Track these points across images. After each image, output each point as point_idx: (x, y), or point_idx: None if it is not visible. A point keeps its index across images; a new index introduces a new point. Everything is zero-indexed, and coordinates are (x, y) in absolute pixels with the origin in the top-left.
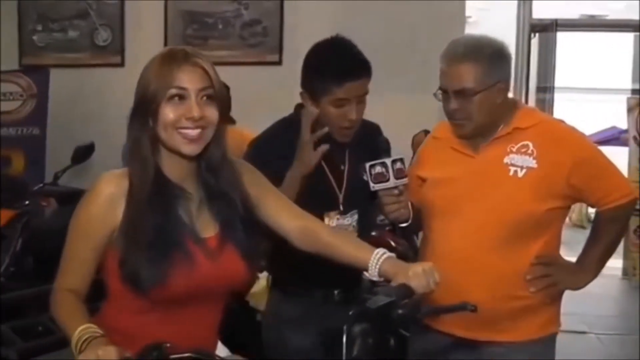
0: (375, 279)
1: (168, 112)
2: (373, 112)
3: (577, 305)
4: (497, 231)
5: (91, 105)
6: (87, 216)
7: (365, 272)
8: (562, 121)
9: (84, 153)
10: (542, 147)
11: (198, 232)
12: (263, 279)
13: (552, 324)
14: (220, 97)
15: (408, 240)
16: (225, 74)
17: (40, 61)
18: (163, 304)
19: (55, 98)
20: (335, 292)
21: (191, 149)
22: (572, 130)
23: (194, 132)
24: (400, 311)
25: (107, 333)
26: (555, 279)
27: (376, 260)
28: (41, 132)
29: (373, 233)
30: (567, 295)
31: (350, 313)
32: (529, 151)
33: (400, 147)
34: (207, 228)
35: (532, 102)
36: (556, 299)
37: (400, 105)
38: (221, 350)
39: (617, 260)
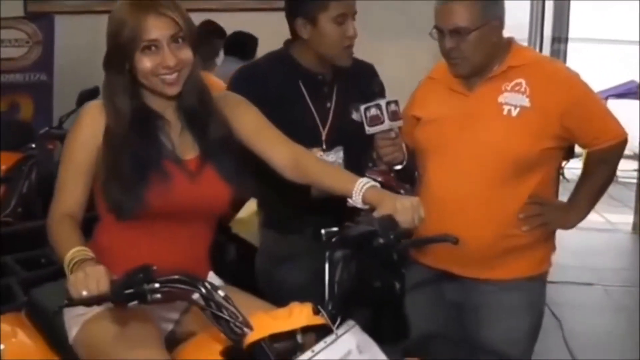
0: (359, 206)
1: (145, 62)
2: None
3: (586, 259)
4: (490, 170)
5: (97, 52)
6: (74, 143)
7: (349, 200)
8: (557, 60)
9: (88, 97)
10: (535, 85)
11: (179, 154)
12: (251, 206)
13: (543, 263)
14: (191, 34)
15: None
16: (236, 20)
17: (46, 8)
18: (148, 224)
19: (61, 45)
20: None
21: (172, 91)
22: (566, 70)
23: (172, 77)
24: (381, 240)
25: (99, 255)
26: (547, 218)
27: (360, 188)
28: (48, 79)
29: (379, 179)
30: (577, 248)
31: (333, 240)
32: (522, 89)
33: (397, 90)
34: (188, 151)
35: (546, 53)
36: (548, 238)
37: (398, 47)
38: (215, 280)
39: (627, 216)
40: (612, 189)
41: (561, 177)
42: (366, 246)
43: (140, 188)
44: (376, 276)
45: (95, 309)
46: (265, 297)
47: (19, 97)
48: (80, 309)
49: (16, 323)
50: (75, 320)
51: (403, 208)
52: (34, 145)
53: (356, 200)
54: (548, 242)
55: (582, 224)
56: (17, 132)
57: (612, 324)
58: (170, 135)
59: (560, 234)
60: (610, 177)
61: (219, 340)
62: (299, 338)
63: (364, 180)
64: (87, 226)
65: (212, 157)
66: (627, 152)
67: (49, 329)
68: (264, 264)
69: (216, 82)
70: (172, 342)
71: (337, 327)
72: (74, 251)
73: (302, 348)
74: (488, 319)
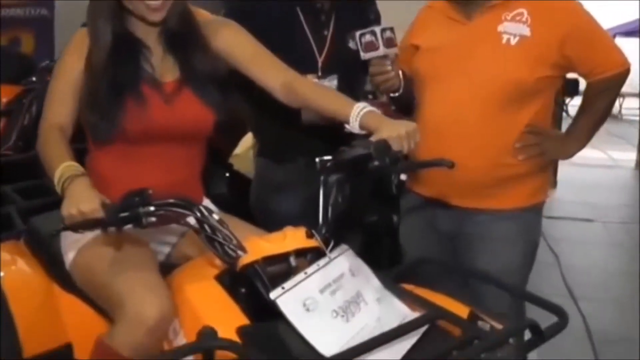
0: (356, 131)
1: None
2: None
3: (587, 195)
4: (487, 98)
5: None
6: (62, 66)
7: (346, 125)
8: None
9: None
10: (537, 15)
11: (157, 77)
12: (247, 141)
13: (539, 193)
14: None
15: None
16: None
17: None
18: (135, 149)
19: None
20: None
21: (156, 17)
22: None
23: (157, 2)
24: (376, 163)
25: (91, 176)
26: (544, 147)
27: (357, 112)
28: (49, 13)
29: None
30: (578, 184)
31: (327, 164)
32: (524, 19)
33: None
34: (168, 74)
35: None
36: (544, 168)
37: None
38: (210, 206)
39: (630, 153)
40: (615, 127)
41: (565, 114)
42: (361, 170)
43: (116, 111)
44: (370, 202)
45: (90, 235)
46: (260, 227)
47: (20, 32)
48: (76, 235)
49: (15, 251)
50: (71, 247)
51: (398, 132)
52: (34, 79)
53: (353, 125)
54: (544, 172)
55: (584, 161)
56: (17, 65)
57: (609, 259)
58: (151, 60)
59: (563, 171)
60: (609, 107)
61: (214, 265)
62: (292, 261)
63: (361, 104)
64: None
65: (192, 80)
66: (631, 89)
67: (47, 256)
68: (258, 192)
69: (204, 13)
70: (168, 268)
71: (330, 251)
72: (64, 166)
73: (296, 271)
74: (481, 249)
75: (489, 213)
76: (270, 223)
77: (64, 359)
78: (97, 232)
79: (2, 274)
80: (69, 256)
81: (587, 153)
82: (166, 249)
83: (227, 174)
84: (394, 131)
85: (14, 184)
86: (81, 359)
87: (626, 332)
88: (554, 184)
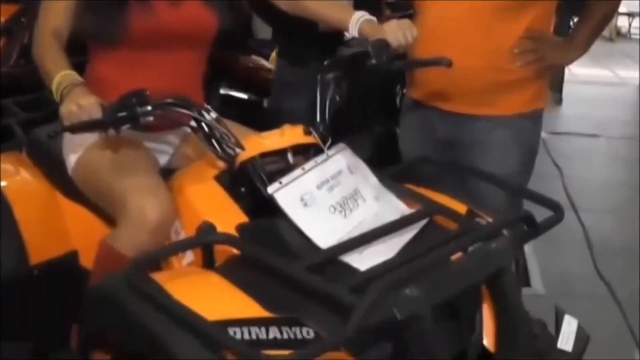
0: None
1: None
2: None
3: (592, 111)
4: (487, 1)
5: None
6: None
7: (346, 32)
8: None
9: None
10: None
11: None
12: None
13: (537, 100)
14: None
15: None
16: None
17: None
18: (136, 53)
19: None
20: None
21: None
22: None
23: None
24: (374, 61)
25: (90, 89)
26: (543, 52)
27: (356, 20)
28: None
29: None
30: (584, 100)
31: (325, 63)
32: None
33: None
34: None
35: None
36: (543, 75)
37: None
38: None
39: (636, 71)
40: (624, 46)
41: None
42: (359, 68)
43: (121, 10)
44: (375, 115)
45: (91, 139)
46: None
47: None
48: (77, 140)
49: (17, 162)
50: (72, 152)
51: (390, 27)
52: None
53: (352, 33)
54: (543, 79)
55: (590, 78)
56: None
57: (612, 173)
58: None
59: (568, 88)
60: (611, 13)
61: (214, 166)
62: (290, 158)
63: (360, 13)
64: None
65: None
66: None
67: (49, 164)
68: (275, 91)
69: None
70: (169, 172)
71: (328, 149)
72: (61, 75)
73: (293, 167)
74: (479, 156)
75: (486, 119)
76: (282, 122)
77: (70, 266)
78: (97, 137)
79: (4, 183)
80: (71, 161)
81: (593, 71)
82: (167, 154)
83: None
84: (391, 30)
85: (14, 97)
86: (87, 265)
87: (626, 243)
88: (559, 100)
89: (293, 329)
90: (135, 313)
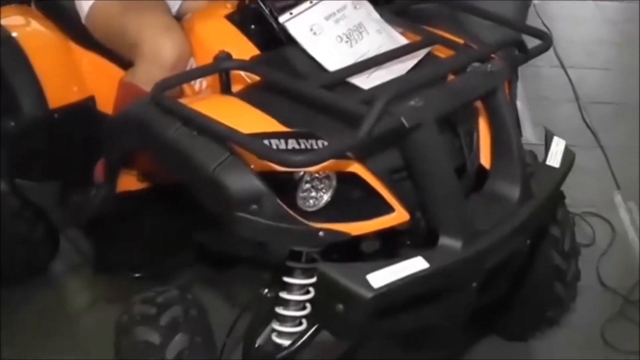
0: None
1: None
2: None
3: None
4: None
5: None
6: None
7: None
8: None
9: None
10: None
11: None
12: None
13: None
14: None
15: None
16: None
17: None
18: None
19: None
20: None
21: None
22: None
23: None
24: None
25: None
26: None
27: None
28: None
29: None
30: None
31: None
32: None
33: None
34: None
35: None
36: None
37: None
38: None
39: None
40: None
41: None
42: None
43: None
44: None
45: None
46: None
47: None
48: None
49: (27, 14)
50: (85, 0)
51: None
52: None
53: None
54: None
55: None
56: None
57: (600, 34)
58: None
59: None
60: None
61: (224, 7)
62: None
63: None
64: None
65: None
66: None
67: (62, 15)
68: None
69: None
70: (178, 20)
71: None
72: None
73: (301, 1)
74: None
75: None
76: None
77: (88, 110)
78: None
79: (16, 33)
80: (84, 9)
81: None
82: (177, 2)
83: None
84: None
85: None
86: (104, 109)
87: (613, 97)
88: None
89: (309, 140)
90: (163, 129)
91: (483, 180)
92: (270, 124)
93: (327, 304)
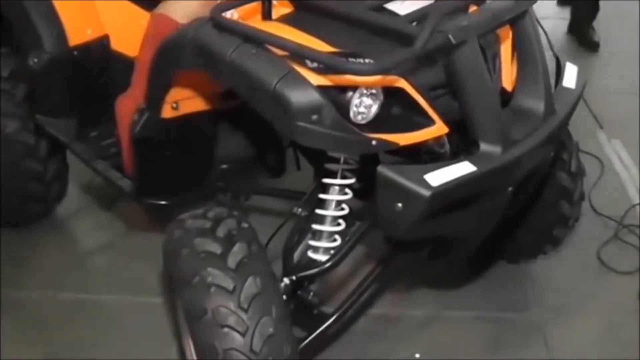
0: None
1: None
2: None
3: None
4: None
5: None
6: None
7: None
8: None
9: None
10: None
11: None
12: None
13: None
14: None
15: None
16: None
17: None
18: None
19: None
20: None
21: None
22: None
23: None
24: None
25: None
26: None
27: None
28: None
29: None
30: None
31: None
32: None
33: None
34: None
35: None
36: None
37: None
38: None
39: None
40: None
41: None
42: None
43: None
44: None
45: None
46: None
47: None
48: None
49: None
50: None
51: None
52: None
53: None
54: None
55: None
56: None
57: None
58: None
59: None
60: None
61: None
62: None
63: None
64: None
65: None
66: None
67: None
68: None
69: None
70: None
71: None
72: None
73: None
74: None
75: None
76: None
77: (104, 48)
78: None
79: None
80: None
81: None
82: None
83: None
84: None
85: None
86: (117, 48)
87: None
88: None
89: (358, 59)
90: (223, 48)
91: (505, 101)
92: (319, 45)
93: (386, 203)
